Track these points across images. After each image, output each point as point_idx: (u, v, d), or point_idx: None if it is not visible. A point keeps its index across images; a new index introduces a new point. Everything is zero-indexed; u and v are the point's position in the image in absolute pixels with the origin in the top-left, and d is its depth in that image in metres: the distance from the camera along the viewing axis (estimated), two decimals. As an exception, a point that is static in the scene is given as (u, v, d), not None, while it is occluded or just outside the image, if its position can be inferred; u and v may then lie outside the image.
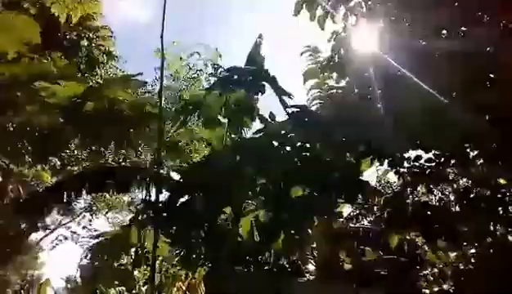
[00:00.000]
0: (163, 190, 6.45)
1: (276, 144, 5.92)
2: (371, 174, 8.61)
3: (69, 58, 16.51)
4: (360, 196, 7.03)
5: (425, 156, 6.16)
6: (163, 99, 10.15)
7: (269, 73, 6.11)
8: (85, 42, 16.81)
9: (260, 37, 7.02)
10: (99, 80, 16.34)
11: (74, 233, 23.26)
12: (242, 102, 6.59)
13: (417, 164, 6.14)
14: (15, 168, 14.95)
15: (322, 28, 6.21)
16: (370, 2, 5.88)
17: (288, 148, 5.92)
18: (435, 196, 10.44)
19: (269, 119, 6.32)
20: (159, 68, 9.20)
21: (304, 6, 6.10)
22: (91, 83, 15.74)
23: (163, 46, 6.94)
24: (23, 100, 7.21)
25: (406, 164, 6.33)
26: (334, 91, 8.07)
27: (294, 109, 5.96)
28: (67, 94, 6.49)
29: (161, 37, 6.73)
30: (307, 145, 5.90)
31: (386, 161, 6.33)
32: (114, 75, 17.62)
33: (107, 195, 20.79)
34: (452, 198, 9.88)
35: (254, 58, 6.73)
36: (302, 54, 8.49)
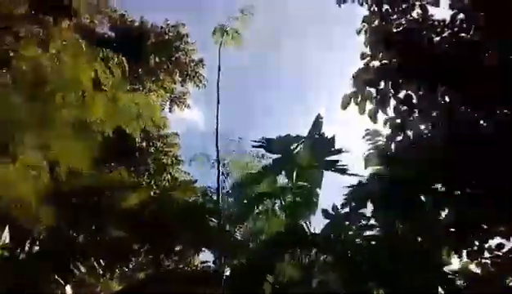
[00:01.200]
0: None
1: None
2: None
3: (140, 164, 17.90)
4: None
5: (509, 244, 5.56)
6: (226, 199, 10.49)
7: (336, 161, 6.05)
8: (152, 149, 18.31)
9: (319, 117, 6.96)
10: (166, 184, 17.40)
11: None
12: (303, 195, 6.53)
13: (500, 253, 5.54)
14: (88, 279, 15.51)
15: (374, 122, 6.25)
16: (420, 92, 5.92)
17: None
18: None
19: (332, 212, 6.16)
20: (219, 168, 9.79)
21: (352, 100, 6.25)
22: (157, 189, 16.79)
23: (218, 152, 7.36)
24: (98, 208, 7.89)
25: (486, 254, 5.75)
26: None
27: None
28: (134, 202, 6.94)
29: (216, 146, 7.17)
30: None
31: (465, 251, 5.81)
32: (179, 179, 18.74)
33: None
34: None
35: (315, 139, 6.61)
36: (363, 138, 8.40)
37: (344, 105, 6.43)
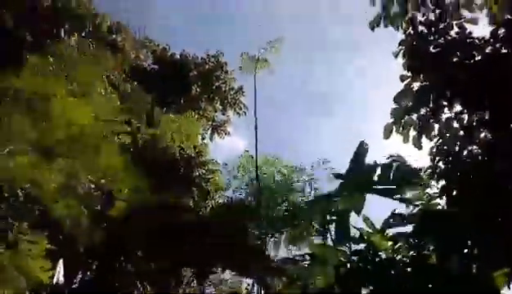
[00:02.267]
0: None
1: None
2: None
3: (185, 191, 18.29)
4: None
5: None
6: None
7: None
8: (196, 175, 18.72)
9: (363, 144, 6.84)
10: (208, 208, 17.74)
11: None
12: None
13: None
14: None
15: (419, 149, 6.08)
16: (463, 116, 5.73)
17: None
18: None
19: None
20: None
21: (394, 129, 6.10)
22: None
23: (258, 176, 7.43)
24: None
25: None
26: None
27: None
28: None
29: (256, 173, 7.24)
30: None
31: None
32: (222, 204, 19.03)
33: None
34: None
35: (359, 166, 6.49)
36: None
37: (387, 135, 6.28)
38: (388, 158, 7.39)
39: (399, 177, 5.74)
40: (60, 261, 13.26)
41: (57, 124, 7.87)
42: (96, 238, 13.09)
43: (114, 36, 15.32)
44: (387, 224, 5.45)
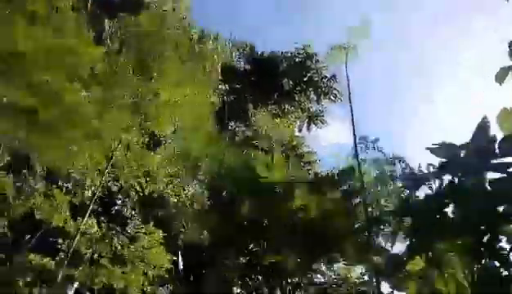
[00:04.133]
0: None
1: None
2: None
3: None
4: None
5: None
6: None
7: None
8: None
9: (485, 119, 6.21)
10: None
11: None
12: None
13: None
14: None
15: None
16: None
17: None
18: None
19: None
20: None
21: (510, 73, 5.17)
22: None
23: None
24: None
25: None
26: None
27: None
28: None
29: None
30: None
31: None
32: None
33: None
34: None
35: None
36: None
37: (500, 79, 5.37)
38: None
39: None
40: (179, 251, 14.81)
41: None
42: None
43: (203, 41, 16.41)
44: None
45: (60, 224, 10.42)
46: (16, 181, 8.68)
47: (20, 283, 10.19)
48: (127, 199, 13.26)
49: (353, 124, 16.53)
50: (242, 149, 18.11)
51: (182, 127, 9.80)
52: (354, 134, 17.07)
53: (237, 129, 18.59)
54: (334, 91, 21.65)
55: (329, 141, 30.40)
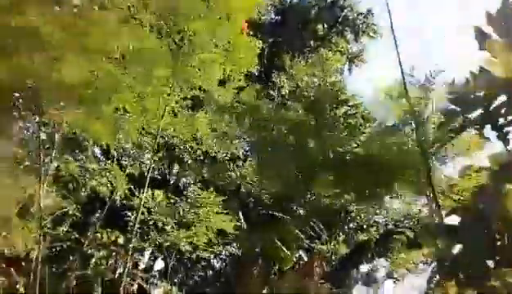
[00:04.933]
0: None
1: None
2: None
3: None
4: None
5: None
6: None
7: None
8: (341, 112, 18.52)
9: None
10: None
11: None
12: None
13: None
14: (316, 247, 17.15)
15: None
16: None
17: None
18: None
19: None
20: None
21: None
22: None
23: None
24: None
25: None
26: None
27: None
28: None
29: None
30: None
31: None
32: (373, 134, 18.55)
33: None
34: None
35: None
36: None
37: None
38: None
39: None
40: (240, 213, 15.21)
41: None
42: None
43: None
44: None
45: (123, 199, 10.98)
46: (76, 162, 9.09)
47: (95, 259, 11.01)
48: (181, 166, 13.60)
49: (399, 59, 15.59)
50: (284, 101, 17.85)
51: (226, 81, 9.65)
52: (401, 69, 16.16)
53: (277, 82, 18.21)
54: (373, 27, 20.47)
55: (372, 80, 29.18)
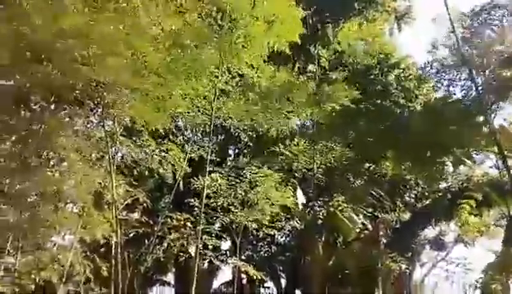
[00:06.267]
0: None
1: None
2: None
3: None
4: None
5: None
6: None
7: None
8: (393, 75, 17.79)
9: None
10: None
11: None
12: None
13: None
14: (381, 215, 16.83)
15: None
16: None
17: None
18: None
19: None
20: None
21: None
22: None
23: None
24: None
25: None
26: None
27: None
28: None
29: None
30: None
31: None
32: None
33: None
34: None
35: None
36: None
37: None
38: None
39: None
40: (298, 189, 15.23)
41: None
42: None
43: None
44: None
45: (187, 184, 11.38)
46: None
47: (167, 241, 11.62)
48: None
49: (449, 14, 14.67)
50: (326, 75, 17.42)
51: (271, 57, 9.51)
52: (452, 26, 15.18)
53: (320, 53, 17.74)
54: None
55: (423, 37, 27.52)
